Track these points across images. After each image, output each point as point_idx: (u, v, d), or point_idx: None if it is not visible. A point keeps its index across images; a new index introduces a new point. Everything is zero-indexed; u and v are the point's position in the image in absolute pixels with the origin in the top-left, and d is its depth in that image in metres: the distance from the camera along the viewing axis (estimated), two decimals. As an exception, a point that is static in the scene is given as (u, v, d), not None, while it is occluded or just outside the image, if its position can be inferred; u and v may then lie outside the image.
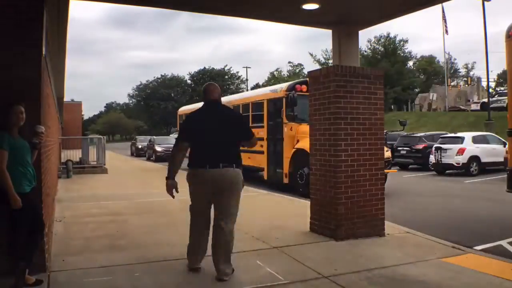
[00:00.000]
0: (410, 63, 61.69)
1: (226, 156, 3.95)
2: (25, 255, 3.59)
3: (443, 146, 15.71)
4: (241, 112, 13.75)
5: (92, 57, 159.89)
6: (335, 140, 5.41)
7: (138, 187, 11.61)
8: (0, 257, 3.66)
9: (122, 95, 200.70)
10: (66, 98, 27.20)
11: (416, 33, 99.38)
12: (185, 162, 4.07)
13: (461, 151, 15.23)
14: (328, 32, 6.47)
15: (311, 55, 65.17)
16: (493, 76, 53.63)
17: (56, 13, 5.89)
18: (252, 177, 12.10)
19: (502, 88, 54.37)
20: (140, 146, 32.51)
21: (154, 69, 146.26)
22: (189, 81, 77.13)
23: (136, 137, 39.35)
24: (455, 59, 67.75)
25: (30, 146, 3.66)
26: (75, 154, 16.53)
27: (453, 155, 15.30)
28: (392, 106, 51.00)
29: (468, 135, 16.47)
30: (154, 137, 30.48)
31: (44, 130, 3.86)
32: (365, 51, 54.99)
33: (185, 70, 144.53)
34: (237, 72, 75.56)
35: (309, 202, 6.01)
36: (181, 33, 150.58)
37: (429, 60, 67.05)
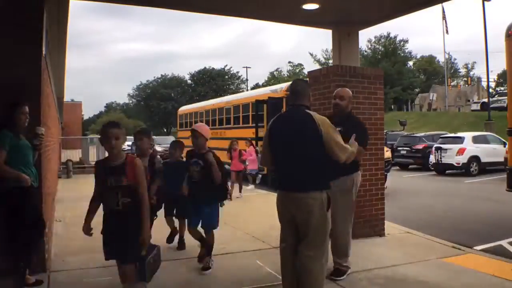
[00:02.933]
0: (410, 63, 61.66)
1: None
2: (25, 255, 3.59)
3: (443, 146, 15.70)
4: (240, 112, 13.78)
5: (81, 51, 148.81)
6: (335, 140, 5.40)
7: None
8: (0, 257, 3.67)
9: (122, 95, 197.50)
10: (66, 98, 27.20)
11: (417, 31, 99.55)
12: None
13: (461, 151, 15.23)
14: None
15: (311, 55, 65.12)
16: (493, 76, 53.65)
17: (56, 13, 5.89)
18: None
19: (502, 88, 54.40)
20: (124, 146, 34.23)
21: (153, 64, 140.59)
22: (189, 81, 77.05)
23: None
24: (455, 59, 67.70)
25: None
26: (75, 154, 16.53)
27: (453, 155, 15.29)
28: (392, 106, 51.03)
29: (468, 135, 16.46)
30: (154, 137, 30.68)
31: (44, 132, 3.86)
32: (365, 51, 54.98)
33: (185, 64, 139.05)
34: (237, 72, 75.47)
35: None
36: (180, 22, 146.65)
37: (429, 60, 67.04)
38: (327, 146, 3.04)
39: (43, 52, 4.20)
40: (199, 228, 4.33)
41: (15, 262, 3.55)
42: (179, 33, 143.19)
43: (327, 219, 3.10)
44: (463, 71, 68.89)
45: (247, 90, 73.09)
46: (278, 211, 3.23)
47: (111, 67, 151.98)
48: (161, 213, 4.97)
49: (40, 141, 3.75)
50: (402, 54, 56.26)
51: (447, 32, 46.28)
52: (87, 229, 3.02)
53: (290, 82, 12.70)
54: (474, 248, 5.28)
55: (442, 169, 15.80)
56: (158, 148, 25.10)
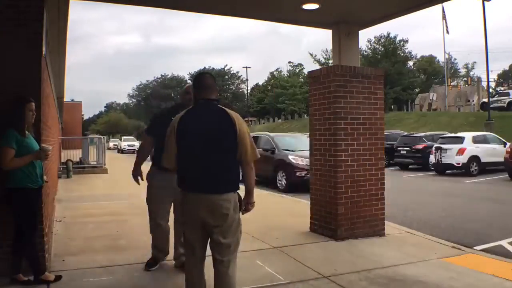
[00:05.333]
0: (410, 63, 61.68)
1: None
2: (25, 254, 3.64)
3: (443, 146, 15.71)
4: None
5: (71, 44, 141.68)
6: (335, 140, 5.41)
7: (138, 187, 11.59)
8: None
9: (122, 95, 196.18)
10: (66, 98, 27.19)
11: (417, 31, 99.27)
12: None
13: (461, 151, 15.23)
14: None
15: (311, 55, 65.14)
16: (493, 76, 53.63)
17: (56, 13, 5.90)
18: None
19: (502, 88, 54.41)
20: (111, 145, 42.13)
21: (150, 59, 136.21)
22: (189, 81, 77.17)
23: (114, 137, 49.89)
24: (455, 59, 67.76)
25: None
26: (75, 154, 16.53)
27: (453, 155, 15.30)
28: (392, 106, 50.99)
29: (468, 135, 16.47)
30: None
31: (51, 150, 3.87)
32: (365, 51, 54.99)
33: (185, 59, 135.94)
34: (237, 72, 75.55)
35: (309, 202, 6.01)
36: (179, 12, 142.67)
37: (429, 60, 67.08)
38: (241, 144, 2.83)
39: (43, 52, 4.20)
40: None
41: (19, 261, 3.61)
42: (178, 21, 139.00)
43: (240, 221, 2.94)
44: (463, 71, 68.99)
45: (247, 90, 73.14)
46: (186, 215, 2.91)
47: (105, 62, 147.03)
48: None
49: (46, 158, 3.77)
50: (402, 54, 56.26)
51: (447, 32, 46.34)
52: None
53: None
54: (474, 248, 5.28)
55: (442, 169, 15.80)
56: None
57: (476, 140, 15.91)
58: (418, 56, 65.34)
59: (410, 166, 18.17)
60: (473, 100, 46.82)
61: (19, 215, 3.54)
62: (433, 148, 16.03)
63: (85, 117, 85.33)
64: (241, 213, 2.97)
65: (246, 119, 67.68)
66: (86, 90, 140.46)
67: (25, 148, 3.54)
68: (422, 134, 19.97)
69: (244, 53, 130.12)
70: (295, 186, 10.54)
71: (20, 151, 3.50)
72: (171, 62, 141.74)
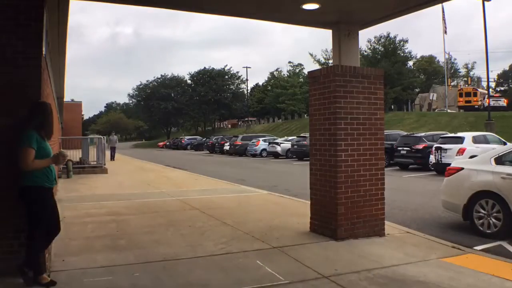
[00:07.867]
0: (410, 63, 61.64)
1: None
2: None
3: (443, 146, 15.71)
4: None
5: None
6: (335, 140, 5.41)
7: (138, 187, 11.61)
8: (6, 256, 3.71)
9: (122, 95, 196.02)
10: (66, 98, 27.22)
11: (417, 31, 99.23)
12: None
13: (461, 151, 15.22)
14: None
15: (311, 55, 65.11)
16: (493, 76, 53.61)
17: (56, 13, 5.90)
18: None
19: (502, 88, 54.43)
20: None
21: (151, 57, 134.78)
22: (189, 81, 77.11)
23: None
24: (455, 59, 67.78)
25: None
26: (75, 154, 16.54)
27: (453, 155, 15.27)
28: (392, 106, 51.01)
29: (468, 135, 16.46)
30: None
31: (68, 156, 3.96)
32: (365, 51, 54.91)
33: (185, 56, 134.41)
34: (237, 72, 75.51)
35: (309, 202, 6.01)
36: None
37: (429, 60, 67.12)
38: None
39: (43, 52, 4.20)
40: None
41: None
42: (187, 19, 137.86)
43: None
44: (463, 71, 68.99)
45: (247, 90, 73.14)
46: None
47: (105, 60, 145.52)
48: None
49: (63, 162, 3.90)
50: (402, 54, 56.20)
51: (445, 32, 46.36)
52: None
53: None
54: (474, 248, 5.28)
55: (442, 169, 15.76)
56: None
57: (476, 140, 15.90)
58: (418, 56, 65.38)
59: (410, 166, 18.15)
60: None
61: (34, 212, 3.60)
62: (433, 148, 16.02)
63: (85, 117, 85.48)
64: None
65: (246, 119, 67.75)
66: (86, 89, 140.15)
67: (42, 149, 3.63)
68: (422, 134, 19.96)
69: (250, 50, 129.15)
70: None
71: (39, 152, 3.58)
72: (173, 59, 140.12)
